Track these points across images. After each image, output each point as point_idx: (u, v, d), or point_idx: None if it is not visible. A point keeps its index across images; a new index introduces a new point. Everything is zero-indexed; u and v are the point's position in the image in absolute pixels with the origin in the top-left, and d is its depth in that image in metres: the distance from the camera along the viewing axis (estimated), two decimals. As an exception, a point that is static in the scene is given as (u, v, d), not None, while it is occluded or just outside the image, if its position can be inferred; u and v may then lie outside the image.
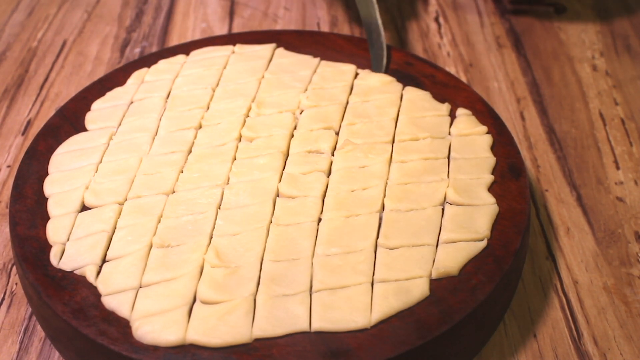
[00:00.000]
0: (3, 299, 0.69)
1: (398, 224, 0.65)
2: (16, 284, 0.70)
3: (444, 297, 0.60)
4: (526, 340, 0.65)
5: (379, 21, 0.84)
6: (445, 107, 0.76)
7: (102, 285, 0.61)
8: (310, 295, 0.60)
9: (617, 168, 0.80)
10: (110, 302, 0.60)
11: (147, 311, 0.59)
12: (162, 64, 0.82)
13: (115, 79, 0.81)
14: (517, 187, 0.68)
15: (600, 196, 0.77)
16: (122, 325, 0.58)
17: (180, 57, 0.83)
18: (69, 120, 0.76)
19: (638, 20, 1.00)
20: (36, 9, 1.04)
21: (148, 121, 0.75)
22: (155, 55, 0.84)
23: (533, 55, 0.95)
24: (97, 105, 0.78)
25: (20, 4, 1.05)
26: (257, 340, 0.57)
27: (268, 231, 0.65)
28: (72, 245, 0.64)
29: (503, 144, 0.72)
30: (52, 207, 0.67)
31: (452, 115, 0.76)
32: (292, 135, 0.74)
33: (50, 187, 0.69)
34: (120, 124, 0.75)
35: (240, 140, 0.73)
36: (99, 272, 0.62)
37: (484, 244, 0.63)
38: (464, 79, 0.91)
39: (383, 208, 0.66)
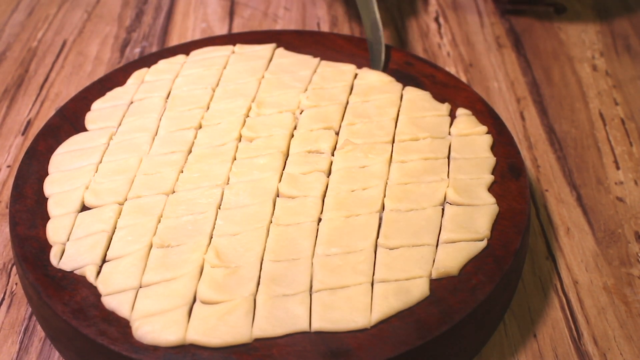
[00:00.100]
0: (3, 299, 0.69)
1: (398, 224, 0.65)
2: (16, 284, 0.70)
3: (444, 297, 0.60)
4: (526, 340, 0.65)
5: (378, 17, 0.84)
6: (445, 107, 0.76)
7: (102, 285, 0.61)
8: (310, 295, 0.60)
9: (617, 168, 0.80)
10: (110, 302, 0.60)
11: (147, 311, 0.59)
12: (162, 64, 0.82)
13: (115, 79, 0.81)
14: (517, 187, 0.68)
15: (600, 196, 0.77)
16: (122, 325, 0.58)
17: (180, 57, 0.83)
18: (69, 120, 0.76)
19: (638, 20, 1.00)
20: (36, 9, 1.04)
21: (148, 121, 0.75)
22: (155, 55, 0.84)
23: (533, 55, 0.95)
24: (97, 105, 0.78)
25: (20, 4, 1.05)
26: (257, 340, 0.57)
27: (268, 231, 0.65)
28: (72, 245, 0.64)
29: (503, 144, 0.72)
30: (52, 207, 0.67)
31: (452, 115, 0.76)
32: (292, 135, 0.74)
33: (50, 187, 0.69)
34: (120, 124, 0.75)
35: (240, 140, 0.73)
36: (99, 272, 0.62)
37: (484, 244, 0.63)
38: (464, 79, 0.91)
39: (383, 208, 0.66)
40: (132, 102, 0.78)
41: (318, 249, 0.63)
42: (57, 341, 0.62)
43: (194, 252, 0.63)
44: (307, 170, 0.70)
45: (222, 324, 0.58)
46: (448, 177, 0.69)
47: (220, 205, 0.67)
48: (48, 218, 0.66)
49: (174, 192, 0.68)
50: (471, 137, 0.73)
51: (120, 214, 0.66)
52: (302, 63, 0.82)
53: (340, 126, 0.74)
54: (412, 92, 0.78)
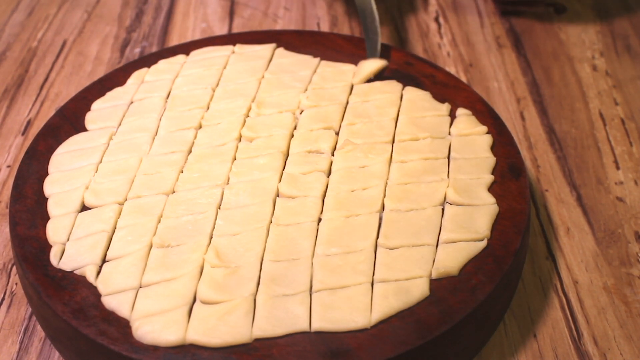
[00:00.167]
0: (3, 299, 0.69)
1: (398, 224, 0.65)
2: (16, 284, 0.70)
3: (444, 297, 0.60)
4: (526, 340, 0.65)
5: (374, 6, 0.84)
6: (445, 107, 0.76)
7: (102, 285, 0.61)
8: (310, 295, 0.60)
9: (617, 168, 0.80)
10: (110, 302, 0.60)
11: (147, 311, 0.59)
12: (162, 64, 0.82)
13: (115, 79, 0.81)
14: (517, 187, 0.68)
15: (600, 196, 0.77)
16: (122, 325, 0.58)
17: (180, 57, 0.83)
18: (69, 120, 0.76)
19: (638, 20, 1.00)
20: (36, 9, 1.04)
21: (148, 121, 0.75)
22: (155, 55, 0.84)
23: (533, 55, 0.95)
24: (97, 105, 0.78)
25: (20, 4, 1.05)
26: (257, 340, 0.57)
27: (268, 231, 0.65)
28: (72, 245, 0.64)
29: (503, 144, 0.72)
30: (52, 207, 0.67)
31: (452, 115, 0.76)
32: (292, 135, 0.74)
33: (50, 187, 0.69)
34: (120, 124, 0.75)
35: (240, 140, 0.73)
36: (99, 272, 0.62)
37: (484, 244, 0.63)
38: (464, 79, 0.91)
39: (383, 208, 0.66)
40: (132, 102, 0.78)
41: (318, 249, 0.63)
42: (57, 341, 0.62)
43: (194, 252, 0.63)
44: (307, 170, 0.70)
45: (222, 324, 0.58)
46: (448, 177, 0.69)
47: (220, 205, 0.67)
48: (48, 218, 0.66)
49: (174, 192, 0.68)
50: (471, 137, 0.73)
51: (120, 214, 0.66)
52: (302, 63, 0.82)
53: (340, 126, 0.74)
54: (412, 92, 0.78)
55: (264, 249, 0.63)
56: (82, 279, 0.62)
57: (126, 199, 0.68)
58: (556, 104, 0.88)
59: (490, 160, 0.70)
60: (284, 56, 0.83)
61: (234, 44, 0.85)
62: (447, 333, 0.58)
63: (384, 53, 0.83)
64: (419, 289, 0.60)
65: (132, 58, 0.95)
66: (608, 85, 0.90)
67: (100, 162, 0.71)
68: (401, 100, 0.77)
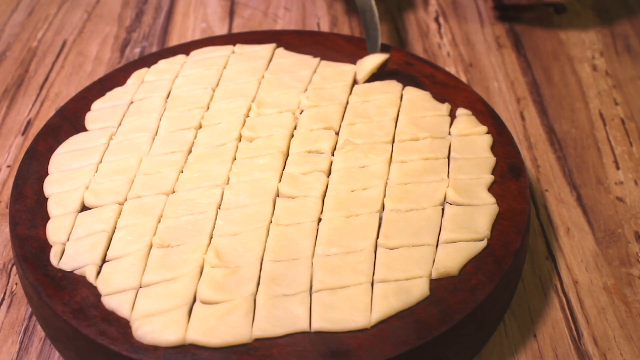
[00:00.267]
0: (3, 299, 0.69)
1: (398, 224, 0.65)
2: (16, 284, 0.70)
3: (444, 297, 0.60)
4: (526, 340, 0.65)
5: (373, 2, 0.84)
6: (445, 107, 0.76)
7: (102, 285, 0.61)
8: (310, 295, 0.60)
9: (617, 168, 0.80)
10: (110, 302, 0.60)
11: (147, 311, 0.59)
12: (162, 64, 0.82)
13: (115, 79, 0.81)
14: (517, 187, 0.68)
15: (600, 196, 0.77)
16: (122, 325, 0.58)
17: (180, 57, 0.83)
18: (69, 120, 0.76)
19: (638, 20, 1.00)
20: (36, 9, 1.04)
21: (148, 121, 0.75)
22: (155, 55, 0.84)
23: (533, 55, 0.95)
24: (97, 105, 0.78)
25: (20, 4, 1.05)
26: (257, 340, 0.57)
27: (268, 231, 0.65)
28: (72, 245, 0.64)
29: (503, 144, 0.72)
30: (52, 207, 0.67)
31: (452, 115, 0.76)
32: (292, 135, 0.74)
33: (50, 187, 0.69)
34: (120, 124, 0.75)
35: (240, 140, 0.73)
36: (99, 272, 0.62)
37: (484, 244, 0.63)
38: (464, 79, 0.91)
39: (383, 208, 0.66)
40: (132, 102, 0.78)
41: (318, 249, 0.63)
42: (57, 341, 0.62)
43: (194, 252, 0.63)
44: (307, 170, 0.70)
45: (222, 324, 0.58)
46: (448, 177, 0.69)
47: (220, 205, 0.67)
48: (48, 218, 0.66)
49: (174, 192, 0.68)
50: (471, 137, 0.73)
51: (120, 214, 0.66)
52: (302, 63, 0.82)
53: (340, 126, 0.74)
54: (412, 92, 0.78)
55: (264, 249, 0.63)
56: (82, 279, 0.62)
57: (126, 199, 0.68)
58: (556, 104, 0.88)
59: (490, 160, 0.70)
60: (284, 56, 0.83)
61: (234, 44, 0.85)
62: (447, 333, 0.58)
63: (384, 52, 0.83)
64: (419, 289, 0.60)
65: (132, 58, 0.95)
66: (608, 85, 0.90)
67: (100, 162, 0.71)
68: (401, 100, 0.77)
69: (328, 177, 0.69)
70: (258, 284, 0.61)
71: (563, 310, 0.67)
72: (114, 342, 0.57)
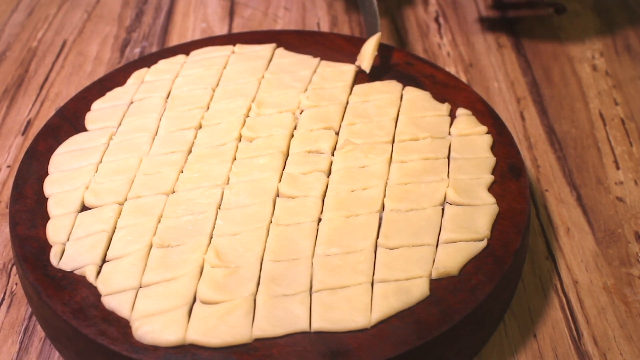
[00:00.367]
0: (3, 299, 0.69)
1: (398, 224, 0.65)
2: (16, 284, 0.70)
3: (444, 297, 0.60)
4: (526, 340, 0.65)
5: None
6: (445, 107, 0.76)
7: (102, 285, 0.61)
8: (310, 295, 0.60)
9: (617, 168, 0.80)
10: (110, 302, 0.60)
11: (147, 311, 0.59)
12: (162, 64, 0.82)
13: (115, 79, 0.81)
14: (517, 187, 0.68)
15: (600, 196, 0.77)
16: (122, 325, 0.58)
17: (180, 57, 0.83)
18: (69, 120, 0.76)
19: (638, 20, 1.00)
20: (36, 9, 1.04)
21: (148, 121, 0.75)
22: (155, 55, 0.84)
23: (533, 55, 0.95)
24: (97, 105, 0.78)
25: (20, 4, 1.05)
26: (257, 340, 0.57)
27: (268, 231, 0.65)
28: (72, 245, 0.64)
29: (503, 144, 0.72)
30: (52, 207, 0.67)
31: (452, 115, 0.76)
32: (292, 135, 0.74)
33: (50, 187, 0.69)
34: (120, 124, 0.75)
35: (240, 140, 0.73)
36: (99, 272, 0.62)
37: (484, 244, 0.63)
38: (464, 79, 0.91)
39: (383, 208, 0.66)
40: (132, 102, 0.78)
41: (318, 249, 0.63)
42: (57, 341, 0.62)
43: (194, 252, 0.63)
44: (307, 170, 0.70)
45: (222, 324, 0.58)
46: (448, 177, 0.69)
47: (220, 205, 0.67)
48: (48, 218, 0.66)
49: (174, 192, 0.68)
50: (471, 137, 0.73)
51: (120, 214, 0.66)
52: (302, 63, 0.82)
53: (340, 126, 0.74)
54: (412, 92, 0.78)
55: (264, 249, 0.63)
56: (82, 279, 0.62)
57: (126, 199, 0.68)
58: (556, 104, 0.88)
59: (490, 160, 0.70)
60: (284, 56, 0.83)
61: (234, 44, 0.85)
62: (447, 333, 0.58)
63: (384, 52, 0.83)
64: (419, 289, 0.60)
65: (132, 58, 0.95)
66: (608, 85, 0.90)
67: (100, 162, 0.71)
68: (401, 100, 0.77)
69: (328, 177, 0.69)
70: (258, 284, 0.61)
71: (563, 310, 0.67)
72: (114, 342, 0.57)
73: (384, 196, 0.67)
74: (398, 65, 0.82)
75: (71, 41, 0.99)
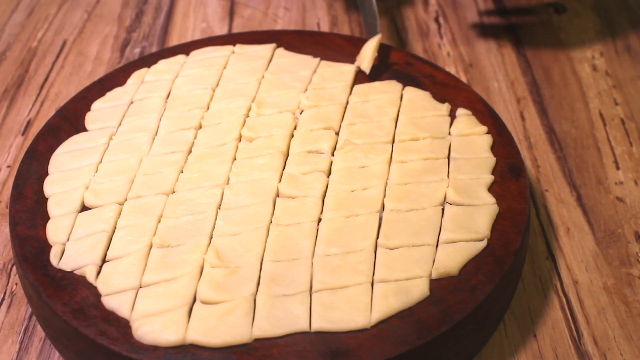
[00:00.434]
0: (3, 299, 0.69)
1: (398, 224, 0.65)
2: (16, 284, 0.70)
3: (444, 297, 0.60)
4: (526, 340, 0.65)
5: None
6: (445, 107, 0.76)
7: (102, 285, 0.61)
8: (310, 295, 0.60)
9: (617, 168, 0.80)
10: (110, 302, 0.60)
11: (147, 311, 0.59)
12: (162, 64, 0.82)
13: (115, 79, 0.81)
14: (517, 187, 0.68)
15: (600, 196, 0.77)
16: (122, 325, 0.58)
17: (180, 57, 0.83)
18: (69, 120, 0.76)
19: (638, 20, 1.00)
20: (36, 9, 1.04)
21: (148, 121, 0.75)
22: (155, 55, 0.84)
23: (533, 55, 0.95)
24: (97, 105, 0.78)
25: (20, 4, 1.05)
26: (257, 340, 0.57)
27: (268, 231, 0.65)
28: (72, 245, 0.64)
29: (503, 144, 0.72)
30: (52, 207, 0.67)
31: (452, 115, 0.76)
32: (292, 135, 0.74)
33: (50, 187, 0.69)
34: (120, 124, 0.75)
35: (240, 140, 0.73)
36: (99, 272, 0.62)
37: (484, 244, 0.63)
38: (464, 79, 0.91)
39: (383, 208, 0.66)
40: (132, 102, 0.78)
41: (318, 249, 0.63)
42: (57, 341, 0.62)
43: (194, 252, 0.63)
44: (307, 170, 0.70)
45: (222, 324, 0.58)
46: (448, 177, 0.69)
47: (220, 205, 0.67)
48: (48, 218, 0.66)
49: (174, 192, 0.68)
50: (471, 137, 0.73)
51: (120, 214, 0.66)
52: (302, 63, 0.82)
53: (340, 126, 0.74)
54: (412, 92, 0.78)
55: (264, 249, 0.63)
56: (82, 279, 0.62)
57: (126, 199, 0.68)
58: (556, 104, 0.88)
59: (490, 160, 0.70)
60: (284, 56, 0.83)
61: (234, 44, 0.85)
62: (447, 333, 0.58)
63: (384, 52, 0.83)
64: (419, 289, 0.60)
65: (132, 58, 0.95)
66: (608, 85, 0.90)
67: (100, 162, 0.71)
68: (401, 100, 0.77)
69: (328, 177, 0.70)
70: (258, 284, 0.61)
71: (563, 310, 0.67)
72: (114, 342, 0.57)
73: (384, 196, 0.67)
74: (398, 65, 0.82)
75: (71, 41, 0.99)
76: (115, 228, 0.65)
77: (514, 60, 0.94)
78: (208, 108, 0.77)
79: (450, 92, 0.78)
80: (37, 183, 0.69)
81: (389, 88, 0.78)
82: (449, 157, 0.71)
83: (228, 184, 0.69)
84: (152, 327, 0.58)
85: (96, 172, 0.70)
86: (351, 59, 0.82)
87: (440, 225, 0.65)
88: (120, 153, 0.72)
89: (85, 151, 0.72)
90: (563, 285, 0.69)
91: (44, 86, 0.92)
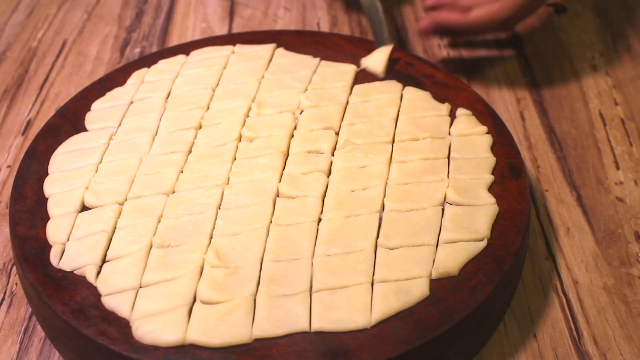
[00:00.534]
0: (3, 299, 0.69)
1: (398, 224, 0.65)
2: (16, 284, 0.70)
3: (444, 297, 0.60)
4: (526, 340, 0.65)
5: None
6: (445, 107, 0.76)
7: (102, 285, 0.61)
8: (310, 295, 0.60)
9: (617, 168, 0.80)
10: (110, 302, 0.60)
11: (147, 311, 0.59)
12: (162, 64, 0.82)
13: (115, 79, 0.81)
14: (517, 187, 0.68)
15: (600, 196, 0.77)
16: (122, 325, 0.58)
17: (180, 57, 0.83)
18: (69, 120, 0.76)
19: (638, 20, 1.00)
20: (36, 9, 1.04)
21: (148, 121, 0.75)
22: (155, 55, 0.84)
23: (533, 55, 0.95)
24: (97, 105, 0.78)
25: (20, 4, 1.05)
26: (257, 340, 0.57)
27: (268, 231, 0.65)
28: (72, 245, 0.64)
29: (503, 144, 0.72)
30: (52, 207, 0.67)
31: (452, 115, 0.76)
32: (292, 135, 0.74)
33: (50, 187, 0.69)
34: (120, 124, 0.75)
35: (240, 140, 0.73)
36: (99, 272, 0.62)
37: (484, 244, 0.63)
38: (464, 79, 0.91)
39: (383, 208, 0.66)
40: (132, 102, 0.78)
41: (318, 249, 0.63)
42: (57, 341, 0.62)
43: (194, 252, 0.63)
44: (307, 170, 0.70)
45: (222, 324, 0.58)
46: (448, 177, 0.69)
47: (220, 205, 0.67)
48: (48, 218, 0.66)
49: (174, 192, 0.68)
50: (471, 137, 0.73)
51: (120, 214, 0.66)
52: (302, 63, 0.82)
53: (340, 126, 0.74)
54: (412, 92, 0.78)
55: (264, 249, 0.63)
56: (82, 279, 0.62)
57: (126, 199, 0.68)
58: (556, 104, 0.88)
59: (490, 160, 0.70)
60: (284, 56, 0.83)
61: (234, 44, 0.85)
62: (447, 333, 0.58)
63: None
64: (419, 289, 0.60)
65: (132, 58, 0.95)
66: (608, 85, 0.90)
67: (100, 162, 0.71)
68: (401, 100, 0.77)
69: (328, 177, 0.70)
70: (258, 284, 0.61)
71: (563, 310, 0.67)
72: (114, 342, 0.57)
73: (384, 196, 0.67)
74: (398, 65, 0.82)
75: (71, 41, 0.99)
76: (115, 228, 0.65)
77: (514, 60, 0.94)
78: (208, 108, 0.77)
79: (450, 92, 0.78)
80: (37, 183, 0.69)
81: (389, 88, 0.78)
82: (449, 157, 0.71)
83: (228, 184, 0.69)
84: (152, 327, 0.58)
85: (96, 172, 0.70)
86: (351, 59, 0.82)
87: (440, 225, 0.65)
88: (120, 153, 0.72)
89: (85, 151, 0.72)
90: (563, 285, 0.69)
91: (44, 86, 0.92)
